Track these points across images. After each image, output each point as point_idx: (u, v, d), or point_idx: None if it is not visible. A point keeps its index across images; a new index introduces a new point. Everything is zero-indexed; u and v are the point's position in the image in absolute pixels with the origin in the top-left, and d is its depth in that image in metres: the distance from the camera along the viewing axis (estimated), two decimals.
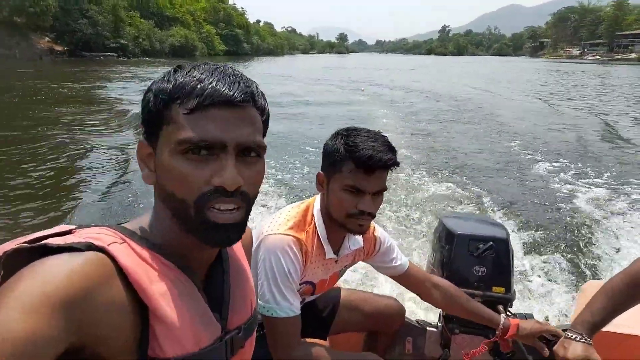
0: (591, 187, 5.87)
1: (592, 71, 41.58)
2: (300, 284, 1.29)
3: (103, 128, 9.25)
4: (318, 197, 1.31)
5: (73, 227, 0.60)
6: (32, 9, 33.28)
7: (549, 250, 3.95)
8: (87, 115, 10.69)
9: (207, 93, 0.57)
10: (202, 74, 0.58)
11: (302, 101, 14.56)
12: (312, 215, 1.29)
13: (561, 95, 18.53)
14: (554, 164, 7.11)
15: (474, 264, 1.60)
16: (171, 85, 0.58)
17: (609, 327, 1.27)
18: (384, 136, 1.22)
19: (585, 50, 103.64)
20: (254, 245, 1.22)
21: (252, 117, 0.60)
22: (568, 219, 4.75)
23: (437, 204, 5.06)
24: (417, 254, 3.68)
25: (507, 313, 1.52)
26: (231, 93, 0.57)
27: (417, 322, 1.82)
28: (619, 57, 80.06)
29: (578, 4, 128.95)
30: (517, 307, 1.82)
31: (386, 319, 1.63)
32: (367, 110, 12.73)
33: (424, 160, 7.33)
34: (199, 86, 0.57)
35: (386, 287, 2.98)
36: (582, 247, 4.06)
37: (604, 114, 12.79)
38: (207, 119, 0.57)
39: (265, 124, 0.64)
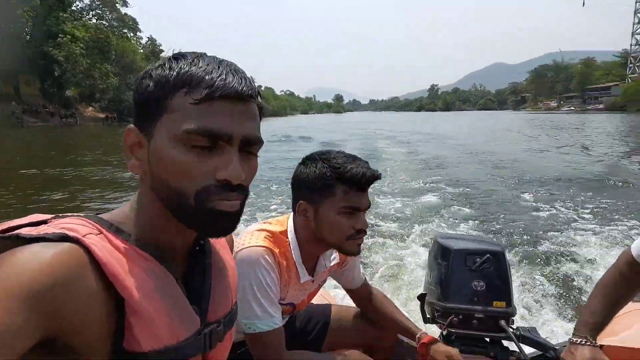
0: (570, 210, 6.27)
1: (567, 119, 47.92)
2: (281, 305, 1.26)
3: None
4: (290, 221, 1.30)
5: (49, 216, 0.60)
6: (101, 86, 41.72)
7: (545, 267, 4.03)
8: None
9: (217, 85, 0.56)
10: (208, 65, 0.58)
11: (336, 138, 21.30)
12: (286, 237, 1.27)
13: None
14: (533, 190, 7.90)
15: (472, 278, 1.57)
16: (175, 73, 0.57)
17: (617, 342, 1.32)
18: (354, 155, 1.25)
19: (562, 102, 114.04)
20: None
21: (255, 113, 0.61)
22: (550, 233, 5.02)
23: (431, 226, 5.42)
24: (411, 276, 3.76)
25: (511, 328, 1.51)
26: (240, 87, 0.57)
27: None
28: (590, 107, 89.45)
29: (552, 62, 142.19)
30: (519, 322, 1.73)
31: (378, 335, 1.60)
32: (373, 142, 19.68)
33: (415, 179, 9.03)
34: (207, 77, 0.56)
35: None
36: (574, 261, 4.16)
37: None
38: (215, 111, 0.56)
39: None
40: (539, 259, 4.24)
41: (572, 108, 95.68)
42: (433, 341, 1.45)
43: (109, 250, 0.55)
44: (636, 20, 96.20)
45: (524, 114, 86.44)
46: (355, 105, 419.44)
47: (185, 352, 0.61)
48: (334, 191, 1.19)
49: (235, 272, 0.80)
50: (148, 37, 67.39)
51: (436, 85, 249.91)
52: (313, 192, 1.20)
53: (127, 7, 53.23)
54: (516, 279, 3.64)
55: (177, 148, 0.57)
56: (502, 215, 6.10)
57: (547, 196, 7.32)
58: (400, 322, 1.55)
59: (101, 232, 0.57)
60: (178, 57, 0.60)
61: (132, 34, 57.96)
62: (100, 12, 52.45)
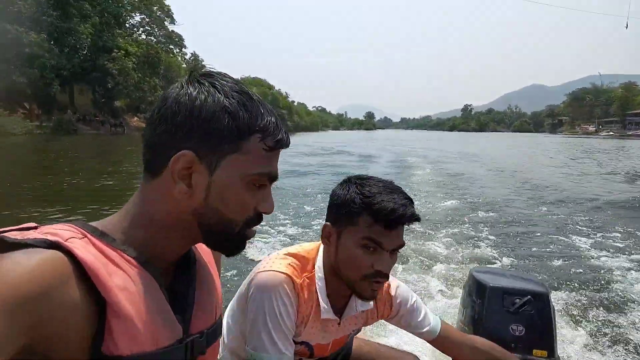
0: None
1: (603, 142, 45.47)
2: (295, 343, 1.15)
3: None
4: (321, 249, 1.20)
5: (38, 225, 0.59)
6: (150, 98, 44.65)
7: (596, 312, 3.43)
8: None
9: (283, 138, 0.65)
10: (270, 114, 0.64)
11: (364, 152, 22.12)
12: (313, 266, 1.18)
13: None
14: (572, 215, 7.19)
15: (510, 321, 1.41)
16: (254, 118, 0.62)
17: None
18: (400, 187, 1.12)
19: (600, 127, 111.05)
20: (245, 284, 1.15)
21: None
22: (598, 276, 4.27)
23: (465, 255, 4.84)
24: (445, 310, 3.28)
25: None
26: (288, 140, 0.66)
27: None
28: (630, 133, 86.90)
29: (591, 85, 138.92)
30: None
31: None
32: (405, 158, 20.32)
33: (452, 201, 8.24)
34: (277, 128, 0.64)
35: (406, 339, 2.66)
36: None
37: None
38: (274, 156, 0.65)
39: None
40: (589, 303, 3.63)
41: (611, 133, 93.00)
42: None
43: (92, 252, 0.55)
44: None
45: (561, 137, 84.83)
46: (386, 123, 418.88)
47: None
48: (357, 220, 1.07)
49: (220, 284, 0.80)
50: (192, 53, 70.84)
51: (470, 105, 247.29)
52: (340, 216, 1.12)
53: (174, 24, 56.57)
54: (561, 324, 3.12)
55: (245, 187, 0.64)
56: (544, 248, 5.36)
57: (599, 227, 6.49)
58: None
59: (85, 237, 0.57)
60: (246, 96, 0.63)
61: (177, 50, 61.31)
62: (149, 28, 55.92)
